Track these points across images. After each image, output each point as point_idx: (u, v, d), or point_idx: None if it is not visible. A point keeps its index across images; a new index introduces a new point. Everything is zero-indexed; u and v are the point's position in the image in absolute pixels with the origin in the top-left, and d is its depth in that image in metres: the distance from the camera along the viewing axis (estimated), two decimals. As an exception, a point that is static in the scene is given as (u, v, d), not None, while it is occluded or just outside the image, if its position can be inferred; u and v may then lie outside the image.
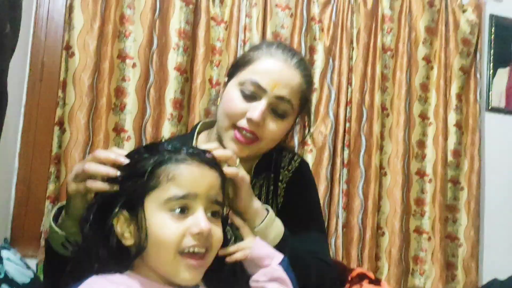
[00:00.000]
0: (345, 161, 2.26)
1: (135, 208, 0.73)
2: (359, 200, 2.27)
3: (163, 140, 0.85)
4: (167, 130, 2.02)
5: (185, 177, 0.74)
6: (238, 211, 0.95)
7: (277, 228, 0.99)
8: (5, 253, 1.17)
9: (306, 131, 1.19)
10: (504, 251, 2.45)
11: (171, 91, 2.04)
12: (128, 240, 0.74)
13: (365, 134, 2.30)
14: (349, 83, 2.28)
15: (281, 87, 1.02)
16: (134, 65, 2.00)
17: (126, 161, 0.79)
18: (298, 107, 1.08)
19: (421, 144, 2.40)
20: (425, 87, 2.41)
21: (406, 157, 2.34)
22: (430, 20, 2.42)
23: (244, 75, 1.05)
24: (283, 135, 1.10)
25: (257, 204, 0.97)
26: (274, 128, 1.04)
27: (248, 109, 1.02)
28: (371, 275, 1.57)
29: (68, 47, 1.95)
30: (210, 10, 2.13)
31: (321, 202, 1.91)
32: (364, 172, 2.29)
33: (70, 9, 1.96)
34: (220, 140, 1.07)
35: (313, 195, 1.21)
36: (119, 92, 2.00)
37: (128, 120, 1.99)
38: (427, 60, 2.42)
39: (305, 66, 1.08)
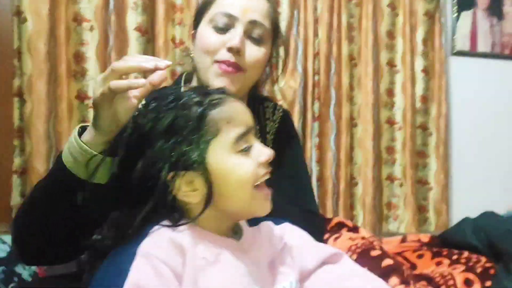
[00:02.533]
0: (316, 115, 2.25)
1: (192, 162, 0.69)
2: (332, 152, 2.29)
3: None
4: (133, 94, 1.96)
5: (239, 114, 0.75)
6: None
7: None
8: (-24, 230, 1.14)
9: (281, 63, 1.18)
10: (472, 193, 2.53)
11: (133, 54, 1.97)
12: (194, 197, 0.71)
13: (335, 86, 2.29)
14: (315, 34, 2.25)
15: (251, 11, 1.04)
16: (91, 28, 1.91)
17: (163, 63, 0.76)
18: (271, 32, 1.08)
19: (390, 92, 2.41)
20: (391, 35, 2.40)
21: (376, 106, 2.35)
22: (394, -34, 2.39)
23: (213, 11, 1.05)
24: (264, 62, 1.09)
25: None
26: (254, 53, 1.04)
27: (225, 41, 1.02)
28: (349, 223, 1.61)
29: (19, 13, 1.83)
30: (168, -34, 2.04)
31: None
32: (335, 124, 2.30)
33: (16, -29, 1.84)
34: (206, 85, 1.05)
35: (298, 145, 1.22)
36: (79, 57, 1.91)
37: (91, 86, 1.92)
38: (392, 6, 2.40)
39: None
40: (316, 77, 2.25)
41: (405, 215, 2.41)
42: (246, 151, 0.73)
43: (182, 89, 1.09)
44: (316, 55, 2.25)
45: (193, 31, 1.12)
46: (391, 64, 2.41)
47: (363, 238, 1.51)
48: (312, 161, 2.25)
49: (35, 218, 0.85)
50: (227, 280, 0.68)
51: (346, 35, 2.30)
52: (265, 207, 0.75)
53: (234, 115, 0.74)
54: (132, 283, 0.62)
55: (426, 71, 2.45)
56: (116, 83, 0.74)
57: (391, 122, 2.42)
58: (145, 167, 0.70)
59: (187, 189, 0.70)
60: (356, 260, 1.37)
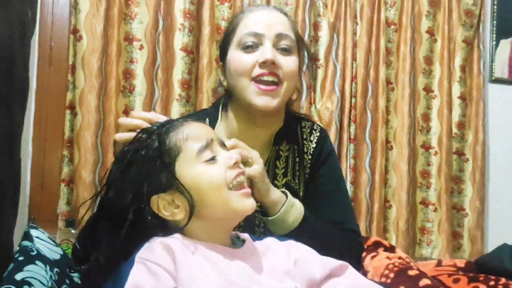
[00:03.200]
0: (352, 136, 2.29)
1: (165, 183, 0.78)
2: (366, 175, 2.31)
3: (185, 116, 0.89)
4: (176, 111, 2.05)
5: (196, 130, 0.81)
6: (257, 201, 0.96)
7: (296, 211, 1.01)
8: (34, 232, 1.22)
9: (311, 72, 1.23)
10: (508, 220, 2.49)
11: (179, 72, 2.06)
12: (179, 213, 0.78)
13: (371, 109, 2.33)
14: (354, 58, 2.30)
15: (275, 26, 1.09)
16: (141, 47, 2.02)
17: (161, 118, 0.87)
18: (296, 43, 1.12)
19: (426, 117, 2.42)
20: (429, 60, 2.43)
21: (411, 130, 2.37)
22: (433, -7, 2.43)
23: (238, 34, 1.10)
24: (297, 72, 1.12)
25: (274, 193, 1.00)
26: (287, 63, 1.08)
27: (256, 57, 1.06)
28: (386, 243, 1.62)
29: (75, 31, 1.96)
30: (214, -10, 2.14)
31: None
32: (371, 146, 2.33)
33: (75, -7, 1.97)
34: (246, 109, 1.10)
35: (336, 164, 1.24)
36: (128, 74, 2.02)
37: (138, 102, 2.02)
38: (431, 33, 2.43)
39: (281, 10, 1.17)
40: (353, 100, 2.29)
41: (439, 241, 2.39)
42: (212, 160, 0.79)
43: (220, 117, 1.16)
44: (353, 78, 2.29)
45: (221, 63, 1.16)
46: (428, 89, 2.43)
47: (400, 258, 1.52)
48: (347, 182, 2.27)
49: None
50: (223, 279, 0.73)
51: (384, 60, 2.34)
52: (247, 204, 0.81)
53: (191, 132, 0.80)
54: (130, 285, 0.69)
55: (463, 97, 2.46)
56: (120, 136, 0.86)
57: (426, 146, 2.42)
58: (118, 198, 0.78)
59: (171, 208, 0.78)
60: (393, 279, 1.38)
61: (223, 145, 0.86)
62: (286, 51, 1.09)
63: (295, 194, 1.05)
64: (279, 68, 1.07)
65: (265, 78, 1.06)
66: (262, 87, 1.05)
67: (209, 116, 1.08)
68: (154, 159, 0.78)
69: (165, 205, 0.78)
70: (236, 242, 0.84)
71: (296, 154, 1.18)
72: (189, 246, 0.76)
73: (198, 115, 0.91)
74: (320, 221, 1.06)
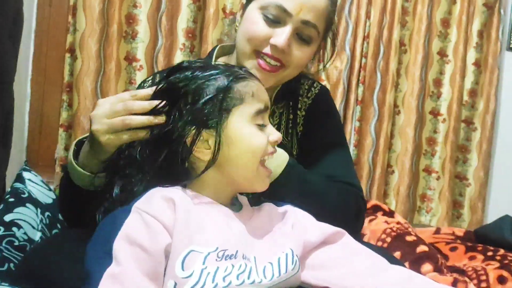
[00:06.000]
0: (359, 98, 2.23)
1: (211, 126, 0.75)
2: (371, 138, 2.27)
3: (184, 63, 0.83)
4: (179, 60, 1.98)
5: (260, 92, 0.81)
6: None
7: (278, 157, 0.94)
8: (26, 175, 1.19)
9: (328, 56, 1.13)
10: (510, 193, 2.46)
11: (184, 20, 1.98)
12: (206, 155, 0.76)
13: (381, 70, 2.25)
14: (367, 16, 2.20)
15: (307, 11, 0.98)
16: (146, -9, 1.94)
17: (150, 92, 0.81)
18: (323, 31, 1.04)
19: (438, 82, 2.35)
20: (446, 23, 2.33)
21: (421, 95, 2.30)
22: (456, -49, 2.30)
23: None
24: (308, 61, 1.06)
25: None
26: (299, 54, 1.01)
27: (272, 34, 0.98)
28: (385, 207, 1.60)
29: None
30: None
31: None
32: (378, 110, 2.27)
33: None
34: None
35: (335, 121, 1.18)
36: (131, 19, 1.94)
37: (140, 49, 1.95)
38: (450, -7, 2.32)
39: None
40: (363, 60, 2.21)
41: (439, 209, 2.37)
42: (261, 126, 0.79)
43: (212, 62, 1.10)
44: (365, 37, 2.20)
45: (244, 2, 1.08)
46: (442, 53, 2.34)
47: (398, 223, 1.50)
48: (350, 145, 2.23)
49: (65, 204, 0.99)
50: (223, 238, 0.71)
51: (399, 20, 2.24)
52: (265, 184, 0.81)
53: (257, 91, 0.79)
54: (123, 235, 0.66)
55: (478, 64, 2.37)
56: (137, 119, 0.79)
57: (435, 113, 2.36)
58: (173, 121, 0.76)
59: (203, 147, 0.76)
60: (390, 244, 1.36)
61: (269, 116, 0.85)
62: (305, 41, 1.00)
63: (287, 151, 0.99)
64: (289, 55, 1.00)
65: (268, 59, 0.99)
66: (262, 63, 1.00)
67: None
68: (220, 98, 0.75)
69: (198, 140, 0.76)
70: (235, 204, 0.82)
71: (291, 111, 1.13)
72: (192, 198, 0.74)
73: (190, 63, 0.85)
74: (310, 172, 1.01)
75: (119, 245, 0.65)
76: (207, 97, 0.75)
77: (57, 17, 1.93)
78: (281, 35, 0.97)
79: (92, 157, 0.85)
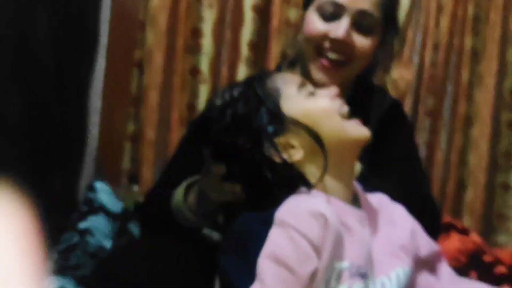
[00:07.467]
0: (428, 110, 2.13)
1: (276, 128, 0.76)
2: (442, 152, 2.16)
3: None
4: (243, 73, 1.99)
5: (285, 74, 0.89)
6: None
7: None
8: (99, 185, 1.22)
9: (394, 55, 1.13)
10: None
11: (247, 33, 1.99)
12: (296, 154, 0.74)
13: (452, 81, 2.15)
14: (437, 24, 2.12)
15: (360, 0, 0.99)
16: (210, 5, 1.97)
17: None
18: (382, 22, 1.03)
19: (515, 93, 2.20)
20: (522, 30, 2.19)
21: (496, 107, 2.17)
22: (534, -47, 2.17)
23: None
24: (371, 52, 1.04)
25: None
26: (361, 44, 1.00)
27: (329, 30, 0.99)
28: (459, 224, 1.50)
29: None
30: None
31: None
32: (449, 122, 2.16)
33: None
34: (306, 76, 1.02)
35: (409, 134, 1.15)
36: (196, 33, 1.98)
37: (204, 62, 1.97)
38: (527, -2, 2.18)
39: None
40: (432, 70, 2.12)
41: (518, 229, 2.20)
42: (312, 93, 0.80)
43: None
44: (435, 46, 2.11)
45: (303, 11, 1.10)
46: (519, 62, 2.20)
47: (473, 242, 1.40)
48: (419, 158, 2.13)
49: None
50: (358, 252, 0.67)
51: (471, 27, 2.13)
52: (364, 131, 0.78)
53: (284, 77, 0.83)
54: (269, 253, 0.62)
55: (560, 72, 2.20)
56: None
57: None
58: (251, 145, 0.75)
59: (287, 151, 0.74)
60: (466, 264, 1.28)
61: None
62: (365, 31, 1.01)
63: None
64: (352, 47, 1.00)
65: (329, 54, 1.00)
66: (325, 62, 1.00)
67: None
68: (258, 107, 0.76)
69: (283, 149, 0.75)
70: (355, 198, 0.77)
71: None
72: (330, 204, 0.69)
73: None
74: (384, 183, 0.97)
75: (265, 264, 0.62)
76: (255, 115, 0.75)
77: (126, 32, 1.99)
78: (339, 28, 0.98)
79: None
